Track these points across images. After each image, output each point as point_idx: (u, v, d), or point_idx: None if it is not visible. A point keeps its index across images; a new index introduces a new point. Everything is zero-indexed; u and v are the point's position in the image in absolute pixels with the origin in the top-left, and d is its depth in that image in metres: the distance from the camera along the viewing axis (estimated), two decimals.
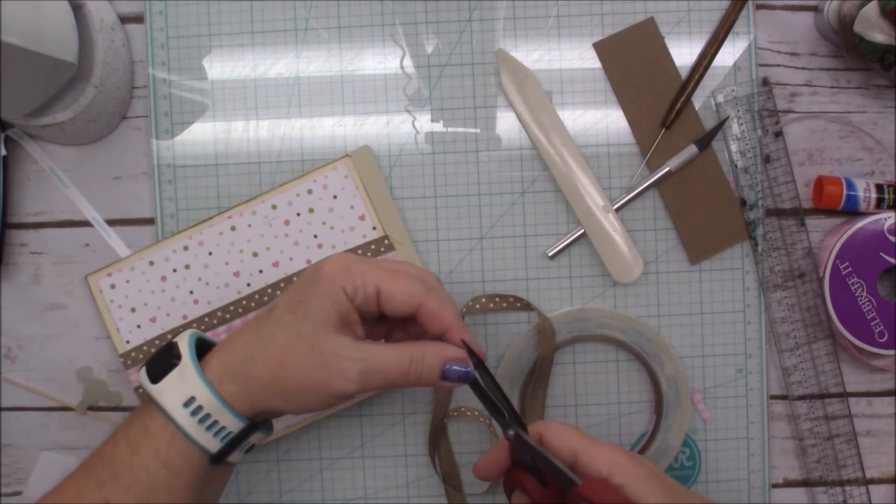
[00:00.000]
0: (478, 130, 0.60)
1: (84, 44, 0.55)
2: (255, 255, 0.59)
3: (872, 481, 0.61)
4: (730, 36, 0.59)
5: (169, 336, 0.59)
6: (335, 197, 0.58)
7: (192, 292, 0.59)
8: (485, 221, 0.60)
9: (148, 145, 0.60)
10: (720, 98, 0.59)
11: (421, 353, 0.44)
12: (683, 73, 0.59)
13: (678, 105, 0.58)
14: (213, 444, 0.44)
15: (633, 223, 0.60)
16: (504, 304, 0.59)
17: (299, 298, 0.44)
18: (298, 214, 0.59)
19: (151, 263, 0.59)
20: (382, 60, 0.59)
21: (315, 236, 0.59)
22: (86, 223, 0.61)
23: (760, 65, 0.60)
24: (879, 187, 0.59)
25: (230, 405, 0.44)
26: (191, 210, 0.60)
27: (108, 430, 0.61)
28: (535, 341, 0.59)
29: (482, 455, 0.47)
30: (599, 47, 0.59)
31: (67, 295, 0.60)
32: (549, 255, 0.59)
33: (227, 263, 0.59)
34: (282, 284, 0.58)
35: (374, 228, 0.59)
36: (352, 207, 0.58)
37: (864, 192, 0.58)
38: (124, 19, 0.60)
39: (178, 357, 0.44)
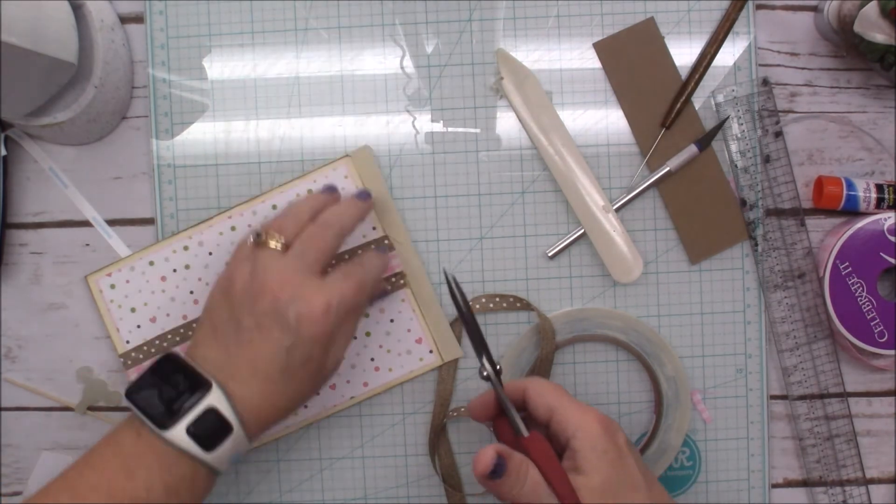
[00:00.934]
0: (478, 130, 0.60)
1: (84, 44, 0.55)
2: None
3: (872, 481, 0.61)
4: (730, 36, 0.59)
5: (169, 336, 0.59)
6: None
7: (192, 292, 0.59)
8: (485, 221, 0.60)
9: (148, 145, 0.60)
10: (720, 98, 0.59)
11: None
12: (683, 73, 0.59)
13: (678, 105, 0.58)
14: (227, 468, 0.49)
15: (633, 223, 0.60)
16: (504, 305, 0.59)
17: (307, 356, 0.49)
18: None
19: (151, 263, 0.59)
20: (382, 60, 0.59)
21: None
22: (86, 223, 0.61)
23: (760, 65, 0.60)
24: (879, 187, 0.59)
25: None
26: (191, 210, 0.60)
27: (108, 431, 0.61)
28: (535, 341, 0.59)
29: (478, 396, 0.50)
30: (599, 47, 0.59)
31: (67, 295, 0.61)
32: (549, 255, 0.59)
33: (227, 264, 0.59)
34: None
35: (374, 228, 0.59)
36: None
37: (864, 192, 0.58)
38: (124, 19, 0.60)
39: (226, 426, 0.47)
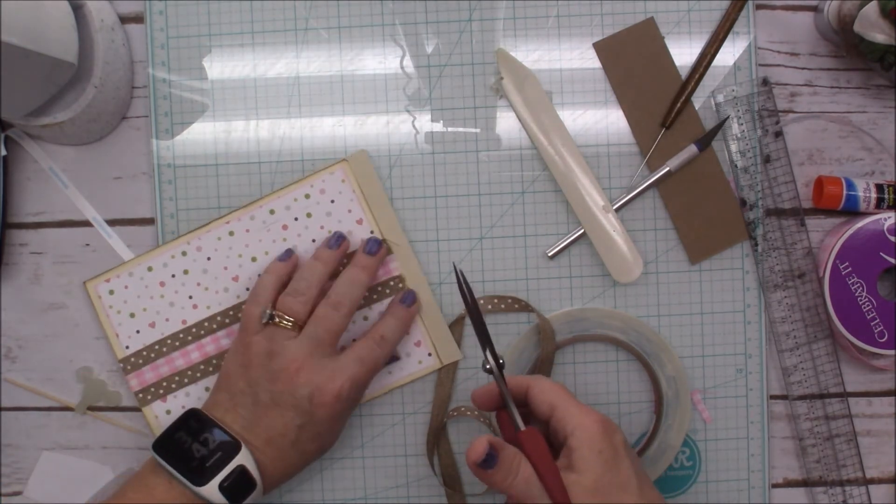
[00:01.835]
0: (478, 130, 0.60)
1: (84, 44, 0.55)
2: (253, 259, 0.59)
3: (872, 481, 0.61)
4: (730, 36, 0.59)
5: (168, 341, 0.59)
6: (332, 201, 0.59)
7: (191, 297, 0.59)
8: (485, 221, 0.60)
9: (148, 145, 0.60)
10: (720, 98, 0.59)
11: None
12: (683, 73, 0.59)
13: (678, 105, 0.58)
14: None
15: (633, 223, 0.60)
16: (502, 306, 0.59)
17: (318, 433, 0.53)
18: (296, 219, 0.59)
19: (150, 269, 0.59)
20: (382, 60, 0.59)
21: (313, 241, 0.59)
22: (86, 223, 0.61)
23: (760, 65, 0.60)
24: (879, 187, 0.59)
25: None
26: (191, 210, 0.60)
27: (109, 431, 0.61)
28: (535, 341, 0.59)
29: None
30: (599, 47, 0.59)
31: (67, 295, 0.60)
32: (549, 255, 0.59)
33: (225, 268, 0.59)
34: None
35: (371, 232, 0.59)
36: (349, 211, 0.59)
37: (864, 192, 0.58)
38: (124, 19, 0.60)
39: (252, 482, 0.51)
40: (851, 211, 0.59)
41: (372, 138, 0.60)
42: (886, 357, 0.60)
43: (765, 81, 0.59)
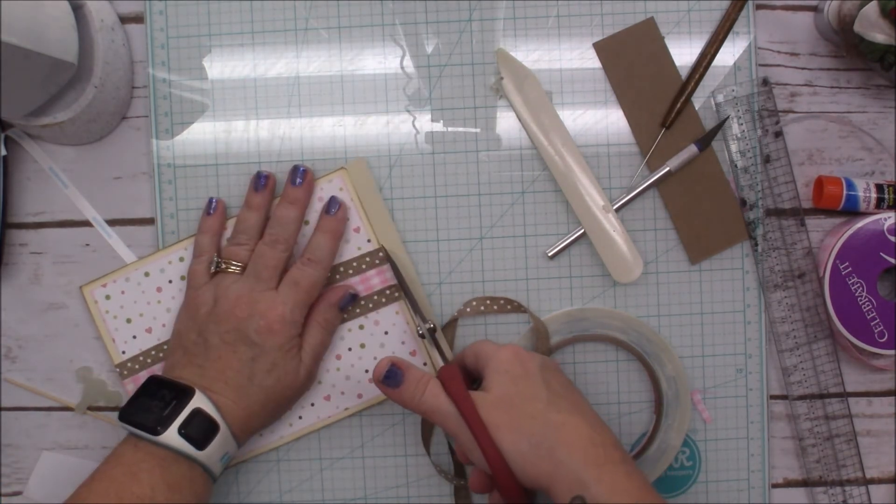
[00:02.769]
0: (478, 130, 0.60)
1: (84, 44, 0.55)
2: None
3: (872, 481, 0.61)
4: (730, 36, 0.59)
5: (165, 347, 0.59)
6: None
7: None
8: (485, 221, 0.60)
9: (148, 145, 0.60)
10: (720, 98, 0.59)
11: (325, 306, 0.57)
12: (683, 73, 0.59)
13: (678, 105, 0.58)
14: (220, 471, 0.53)
15: (633, 223, 0.60)
16: (495, 307, 0.59)
17: (272, 363, 0.54)
18: None
19: (147, 274, 0.59)
20: (382, 60, 0.59)
21: None
22: (86, 223, 0.61)
23: (760, 65, 0.60)
24: (879, 187, 0.59)
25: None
26: (191, 210, 0.60)
27: (109, 431, 0.61)
28: (534, 342, 0.59)
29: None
30: (599, 47, 0.59)
31: (67, 295, 0.60)
32: (549, 255, 0.59)
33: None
34: None
35: (368, 241, 0.59)
36: (346, 219, 0.59)
37: (864, 192, 0.58)
38: (124, 19, 0.60)
39: (214, 424, 0.52)
40: (851, 211, 0.59)
41: (372, 138, 0.60)
42: (886, 357, 0.60)
43: (765, 81, 0.59)
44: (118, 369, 0.59)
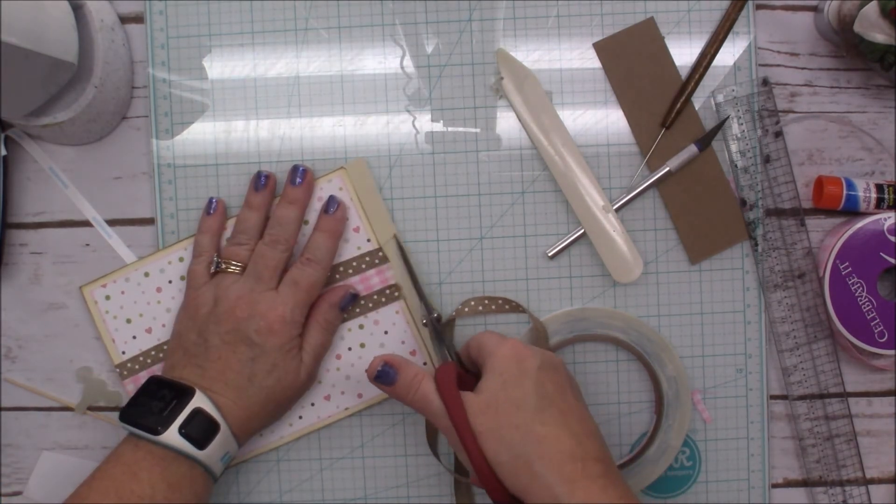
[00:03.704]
0: (478, 130, 0.60)
1: (84, 44, 0.55)
2: None
3: (872, 481, 0.61)
4: (730, 36, 0.59)
5: (165, 347, 0.59)
6: None
7: None
8: (485, 221, 0.60)
9: (148, 145, 0.60)
10: (720, 98, 0.59)
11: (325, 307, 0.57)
12: (683, 73, 0.59)
13: (678, 105, 0.58)
14: (221, 471, 0.54)
15: (633, 223, 0.60)
16: (493, 307, 0.59)
17: (272, 364, 0.54)
18: None
19: (147, 275, 0.59)
20: (382, 60, 0.59)
21: None
22: (86, 223, 0.61)
23: (760, 65, 0.60)
24: (879, 187, 0.59)
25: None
26: (191, 210, 0.60)
27: (109, 431, 0.61)
28: (533, 342, 0.59)
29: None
30: (599, 47, 0.59)
31: (67, 295, 0.60)
32: (549, 255, 0.59)
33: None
34: None
35: (368, 240, 0.59)
36: (346, 219, 0.59)
37: (864, 192, 0.58)
38: (124, 19, 0.60)
39: (214, 424, 0.52)
40: (851, 211, 0.59)
41: (372, 138, 0.60)
42: (886, 357, 0.60)
43: (765, 81, 0.59)
44: (118, 369, 0.59)
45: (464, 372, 0.54)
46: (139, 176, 0.60)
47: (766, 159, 0.59)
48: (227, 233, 0.59)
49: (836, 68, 0.60)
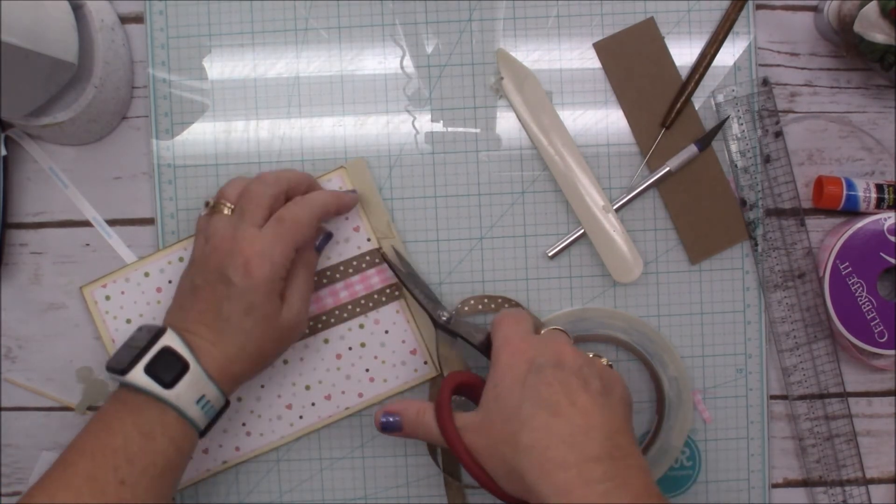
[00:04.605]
0: (478, 130, 0.60)
1: (84, 44, 0.55)
2: None
3: (872, 481, 0.61)
4: (730, 36, 0.59)
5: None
6: None
7: None
8: (485, 221, 0.60)
9: (148, 145, 0.60)
10: (720, 98, 0.59)
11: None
12: (683, 73, 0.59)
13: (678, 105, 0.58)
14: (204, 422, 0.51)
15: (633, 223, 0.60)
16: (492, 306, 0.59)
17: (249, 304, 0.51)
18: None
19: (147, 275, 0.59)
20: (382, 60, 0.59)
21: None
22: (86, 223, 0.61)
23: (760, 65, 0.60)
24: (879, 187, 0.59)
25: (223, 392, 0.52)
26: (191, 210, 0.60)
27: None
28: None
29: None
30: (599, 47, 0.59)
31: (67, 295, 0.60)
32: (549, 255, 0.59)
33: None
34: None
35: (368, 240, 0.59)
36: (346, 219, 0.59)
37: (864, 192, 0.58)
38: (124, 19, 0.60)
39: (183, 363, 0.50)
40: (851, 211, 0.59)
41: (372, 138, 0.60)
42: (886, 357, 0.60)
43: (765, 81, 0.59)
44: None
45: (474, 378, 0.53)
46: (139, 176, 0.60)
47: (766, 159, 0.59)
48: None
49: (836, 68, 0.60)
